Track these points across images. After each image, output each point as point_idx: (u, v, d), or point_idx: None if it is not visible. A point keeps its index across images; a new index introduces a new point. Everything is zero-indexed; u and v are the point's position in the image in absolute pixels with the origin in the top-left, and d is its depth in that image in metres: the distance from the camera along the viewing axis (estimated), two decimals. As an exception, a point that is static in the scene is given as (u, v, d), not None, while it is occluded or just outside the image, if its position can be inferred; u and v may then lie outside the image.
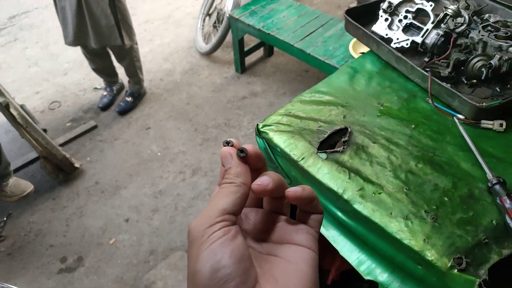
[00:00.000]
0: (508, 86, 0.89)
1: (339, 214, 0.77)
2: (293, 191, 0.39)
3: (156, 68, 3.18)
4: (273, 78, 3.09)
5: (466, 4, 1.05)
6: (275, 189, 0.38)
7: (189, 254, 0.35)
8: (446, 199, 0.70)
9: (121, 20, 2.42)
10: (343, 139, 0.81)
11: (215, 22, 3.18)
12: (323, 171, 0.77)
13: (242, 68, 3.11)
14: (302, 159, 0.80)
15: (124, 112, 2.79)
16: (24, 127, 2.01)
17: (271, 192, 0.38)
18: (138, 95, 2.87)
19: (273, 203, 0.42)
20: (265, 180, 0.38)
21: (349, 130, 0.83)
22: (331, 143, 0.82)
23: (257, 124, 0.87)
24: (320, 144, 0.81)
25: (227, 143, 0.40)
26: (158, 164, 2.51)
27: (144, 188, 2.38)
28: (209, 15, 3.24)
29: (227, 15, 2.87)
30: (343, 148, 0.80)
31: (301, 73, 3.13)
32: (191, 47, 3.38)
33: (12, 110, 1.93)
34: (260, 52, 3.26)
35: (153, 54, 3.31)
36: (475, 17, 1.03)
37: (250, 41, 3.17)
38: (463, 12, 1.02)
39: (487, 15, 0.97)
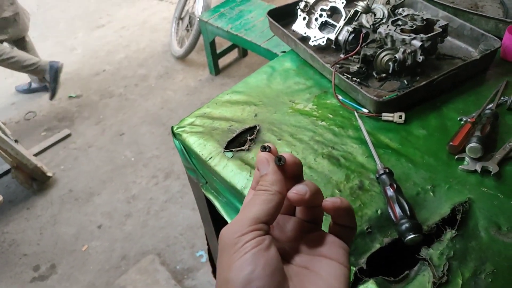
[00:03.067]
0: (418, 78, 0.91)
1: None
2: (331, 201, 0.38)
3: (131, 74, 3.20)
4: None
5: (386, 0, 1.07)
6: (311, 198, 0.37)
7: (220, 261, 0.34)
8: (337, 191, 0.72)
9: None
10: (249, 137, 0.83)
11: (187, 26, 3.21)
12: (228, 169, 0.79)
13: (216, 70, 3.13)
14: (210, 158, 0.82)
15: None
16: (-10, 139, 2.03)
17: (308, 201, 0.37)
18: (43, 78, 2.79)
19: (307, 212, 0.41)
20: (302, 189, 0.37)
21: (257, 128, 0.85)
22: (240, 141, 0.84)
23: (172, 127, 0.89)
24: (228, 143, 0.83)
25: (265, 148, 0.39)
26: (131, 169, 2.53)
27: (117, 194, 2.40)
28: (181, 19, 3.27)
29: (197, 18, 2.90)
30: (249, 146, 0.82)
31: (274, 73, 3.15)
32: (166, 51, 3.40)
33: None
34: (234, 53, 3.28)
35: (128, 60, 3.34)
36: (396, 12, 1.05)
37: (225, 42, 3.19)
38: (382, 7, 1.04)
39: (401, 9, 0.98)
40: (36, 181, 2.39)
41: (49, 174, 2.40)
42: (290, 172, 0.39)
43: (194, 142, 0.85)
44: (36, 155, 2.56)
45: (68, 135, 2.71)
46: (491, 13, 1.10)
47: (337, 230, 0.40)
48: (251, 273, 0.31)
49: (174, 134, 0.89)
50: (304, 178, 0.41)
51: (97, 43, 3.57)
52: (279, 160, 0.38)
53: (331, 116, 0.86)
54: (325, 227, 0.41)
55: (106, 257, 2.11)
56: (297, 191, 0.37)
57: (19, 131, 2.79)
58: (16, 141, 2.30)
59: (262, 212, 0.35)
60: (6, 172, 2.51)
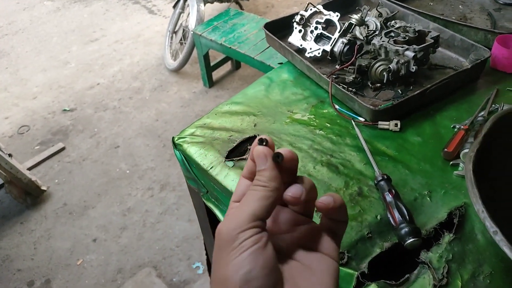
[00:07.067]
0: (411, 87, 0.94)
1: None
2: (325, 203, 0.37)
3: (125, 87, 3.22)
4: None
5: (378, 13, 1.11)
6: (307, 198, 0.37)
7: (218, 257, 0.34)
8: (337, 198, 0.73)
9: None
10: (249, 147, 0.85)
11: (181, 39, 3.24)
12: (230, 178, 0.81)
13: (210, 82, 3.16)
14: (211, 167, 0.83)
15: None
16: (-16, 153, 2.02)
17: (303, 201, 0.37)
18: None
19: (301, 206, 0.40)
20: (298, 191, 0.37)
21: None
22: (241, 151, 0.86)
23: (173, 137, 0.91)
24: (229, 153, 0.85)
25: (262, 142, 0.38)
26: (126, 181, 2.53)
27: (113, 207, 2.39)
28: (175, 32, 3.30)
29: (191, 31, 2.93)
30: (249, 155, 0.83)
31: (268, 84, 3.19)
32: (160, 64, 3.43)
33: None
34: (228, 66, 3.32)
35: (122, 73, 3.35)
36: (388, 24, 1.09)
37: (218, 55, 3.22)
38: (374, 20, 1.07)
39: (393, 21, 1.02)
40: (30, 196, 2.37)
41: (43, 188, 2.38)
42: (287, 167, 0.39)
43: (195, 152, 0.86)
44: (30, 169, 2.55)
45: (62, 149, 2.70)
46: (480, 24, 1.14)
47: (329, 224, 0.40)
48: (249, 272, 0.32)
49: (175, 145, 0.90)
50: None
51: (90, 57, 3.59)
52: (277, 157, 0.37)
53: (328, 125, 0.88)
54: (316, 219, 0.42)
55: (102, 271, 2.09)
56: (292, 194, 0.37)
57: (12, 145, 2.78)
58: (10, 155, 2.29)
59: (260, 209, 0.35)
60: (0, 187, 2.49)
